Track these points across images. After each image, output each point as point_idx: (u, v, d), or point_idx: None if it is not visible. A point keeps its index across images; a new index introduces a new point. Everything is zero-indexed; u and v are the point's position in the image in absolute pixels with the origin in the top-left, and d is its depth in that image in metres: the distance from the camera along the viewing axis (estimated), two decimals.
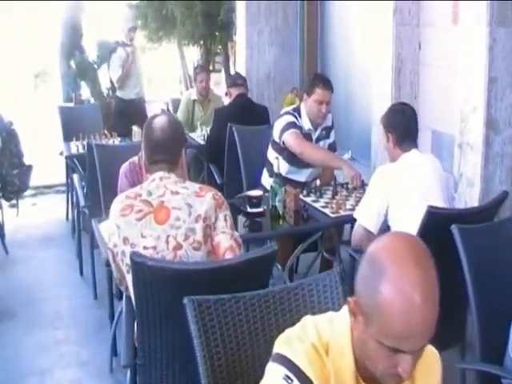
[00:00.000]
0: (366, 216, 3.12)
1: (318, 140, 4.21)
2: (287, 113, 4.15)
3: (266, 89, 7.07)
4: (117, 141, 5.57)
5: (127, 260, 2.30)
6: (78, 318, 4.23)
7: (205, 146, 5.44)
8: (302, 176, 4.18)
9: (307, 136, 4.13)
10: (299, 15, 7.03)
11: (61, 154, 6.04)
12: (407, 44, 4.50)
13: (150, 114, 6.76)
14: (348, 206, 3.60)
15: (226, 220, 2.35)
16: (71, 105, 7.20)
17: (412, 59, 4.53)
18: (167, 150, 2.42)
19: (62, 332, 4.03)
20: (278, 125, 4.11)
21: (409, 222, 2.86)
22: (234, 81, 5.33)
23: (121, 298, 3.16)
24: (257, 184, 4.35)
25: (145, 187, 2.37)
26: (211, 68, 14.53)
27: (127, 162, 3.56)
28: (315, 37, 6.85)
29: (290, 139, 3.99)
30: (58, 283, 4.77)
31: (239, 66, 7.14)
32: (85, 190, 4.71)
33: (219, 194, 2.40)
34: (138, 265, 2.04)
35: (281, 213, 3.38)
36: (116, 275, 2.51)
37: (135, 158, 3.58)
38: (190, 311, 1.59)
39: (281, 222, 3.38)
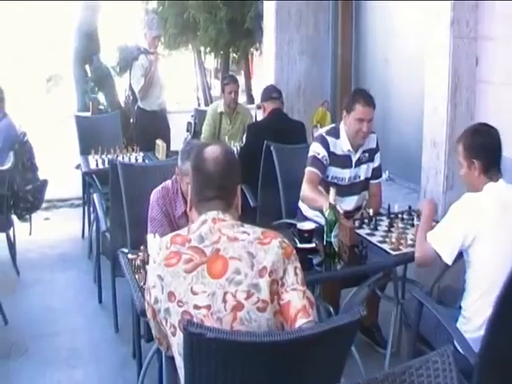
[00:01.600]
0: (442, 243, 2.72)
1: (359, 163, 3.80)
2: (319, 138, 3.79)
3: (295, 102, 6.65)
4: (140, 156, 5.17)
5: (172, 320, 1.88)
6: (98, 354, 3.80)
7: None
8: (347, 205, 3.74)
9: (346, 158, 3.75)
10: (331, 23, 6.62)
11: (77, 167, 5.67)
12: (464, 59, 4.09)
13: (173, 127, 6.40)
14: (409, 242, 3.18)
15: (296, 273, 1.93)
16: (88, 114, 6.82)
17: (468, 75, 4.12)
18: (222, 185, 2.00)
19: (80, 371, 3.60)
20: (310, 149, 3.79)
21: (493, 262, 2.58)
22: (269, 94, 4.90)
23: (150, 340, 2.77)
24: (296, 209, 3.96)
25: (194, 230, 1.95)
26: (214, 75, 14.31)
27: (159, 188, 3.15)
28: (349, 46, 6.42)
29: (304, 179, 3.70)
30: (74, 312, 4.35)
31: (267, 77, 6.72)
32: (104, 208, 4.32)
33: (286, 240, 1.98)
34: (195, 336, 1.62)
35: (337, 249, 2.96)
36: (155, 334, 2.09)
37: (168, 183, 3.18)
38: None
39: (336, 260, 2.96)
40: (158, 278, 1.90)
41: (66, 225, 6.19)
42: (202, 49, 9.05)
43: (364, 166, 3.84)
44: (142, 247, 2.84)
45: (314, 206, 3.59)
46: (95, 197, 4.31)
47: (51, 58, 13.67)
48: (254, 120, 6.09)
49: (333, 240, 2.95)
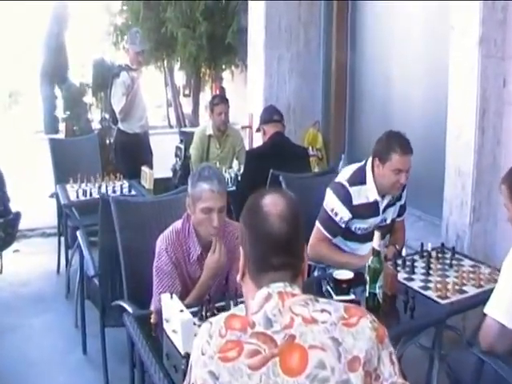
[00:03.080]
0: (502, 307, 2.29)
1: (387, 207, 3.37)
2: (340, 191, 3.26)
3: (285, 122, 6.21)
4: (125, 185, 4.66)
5: None
6: None
7: (234, 195, 4.57)
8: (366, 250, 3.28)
9: (372, 207, 3.30)
10: (322, 37, 6.22)
11: (51, 196, 5.14)
12: (492, 80, 3.72)
13: (155, 149, 5.89)
14: (455, 287, 2.76)
15: (392, 362, 1.47)
16: (61, 136, 6.27)
17: (496, 98, 3.75)
18: (291, 249, 1.54)
19: None
20: (326, 201, 3.32)
21: None
22: (270, 116, 4.46)
23: None
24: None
25: (255, 309, 1.47)
26: (183, 92, 13.77)
27: (167, 232, 2.67)
28: (344, 62, 6.00)
29: (313, 233, 3.29)
30: (55, 365, 3.80)
31: (255, 96, 6.29)
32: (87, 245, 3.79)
33: (374, 317, 1.53)
34: None
35: (381, 302, 2.53)
36: None
37: (177, 224, 2.70)
38: None
39: (381, 315, 2.52)
40: (209, 376, 1.42)
41: (39, 258, 5.63)
42: (178, 65, 8.54)
43: (392, 209, 3.42)
44: (152, 308, 2.36)
45: (338, 263, 3.18)
46: (79, 235, 3.78)
47: (14, 73, 13.03)
48: (243, 143, 5.66)
49: (377, 291, 2.52)
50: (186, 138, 5.23)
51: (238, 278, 1.62)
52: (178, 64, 8.86)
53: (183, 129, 6.01)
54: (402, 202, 3.50)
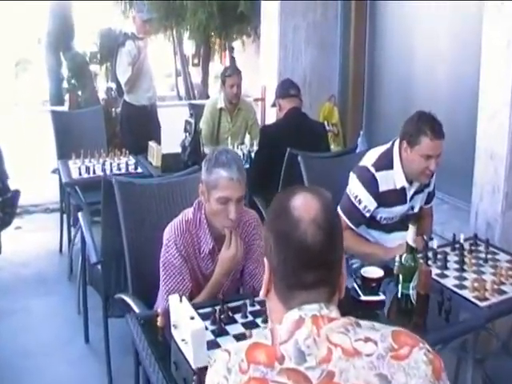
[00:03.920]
0: None
1: (414, 194, 3.08)
2: (366, 177, 2.98)
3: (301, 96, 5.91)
4: (131, 162, 4.38)
5: None
6: None
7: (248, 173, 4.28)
8: (394, 242, 3.01)
9: (400, 194, 3.02)
10: (340, 5, 5.86)
11: (54, 171, 4.86)
12: None
13: (163, 123, 5.59)
14: (493, 286, 2.48)
15: None
16: (64, 108, 5.97)
17: None
18: (328, 262, 1.26)
19: None
20: (349, 187, 3.04)
21: None
22: (287, 90, 4.15)
23: None
24: None
25: (284, 337, 1.19)
26: (192, 62, 13.43)
27: (176, 221, 2.39)
28: (363, 33, 5.65)
29: None
30: (55, 354, 3.57)
31: (269, 68, 5.96)
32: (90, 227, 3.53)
33: (428, 346, 1.25)
34: None
35: (415, 304, 2.26)
36: None
37: (188, 213, 2.42)
38: None
39: (414, 319, 2.26)
40: None
41: (41, 235, 5.39)
42: (187, 34, 8.18)
43: (420, 196, 3.14)
44: (158, 310, 2.09)
45: (362, 254, 2.98)
46: (80, 217, 3.51)
47: (21, 40, 12.70)
48: (256, 117, 5.36)
49: (411, 292, 2.25)
50: (196, 112, 4.91)
51: (262, 294, 1.34)
52: (187, 33, 8.47)
53: (193, 101, 5.63)
54: (431, 188, 3.23)
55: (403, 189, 3.01)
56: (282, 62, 5.81)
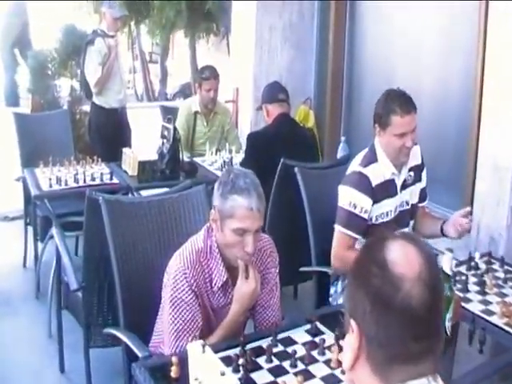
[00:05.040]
0: None
1: (404, 187, 2.90)
2: (356, 179, 2.79)
3: None
4: (106, 171, 4.05)
5: None
6: None
7: None
8: None
9: (389, 185, 2.83)
10: (318, 6, 5.64)
11: (18, 179, 4.50)
12: None
13: (133, 126, 5.26)
14: None
15: None
16: (22, 110, 5.57)
17: None
18: (435, 328, 1.05)
19: None
20: (340, 200, 2.83)
21: None
22: (275, 95, 3.88)
23: None
24: (328, 252, 3.02)
25: None
26: (148, 59, 13.07)
27: (185, 251, 2.11)
28: (342, 32, 5.45)
29: (336, 241, 2.83)
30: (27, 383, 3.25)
31: (243, 69, 5.69)
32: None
33: None
34: None
35: (449, 335, 2.05)
36: None
37: (197, 243, 2.14)
38: None
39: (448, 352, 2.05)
40: None
41: (2, 247, 4.98)
42: (145, 30, 7.80)
43: (411, 189, 2.95)
44: (173, 359, 1.81)
45: None
46: (55, 235, 3.15)
47: None
48: (233, 121, 5.09)
49: (447, 324, 2.03)
50: (170, 116, 4.54)
51: (348, 365, 1.09)
52: (145, 30, 8.11)
53: (164, 103, 5.30)
54: (423, 184, 3.04)
55: (392, 180, 2.83)
56: (257, 63, 5.56)
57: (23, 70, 6.79)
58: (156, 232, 2.60)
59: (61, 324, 3.27)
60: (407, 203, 2.93)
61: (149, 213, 2.63)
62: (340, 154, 5.05)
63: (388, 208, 2.85)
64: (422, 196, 3.05)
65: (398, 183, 2.86)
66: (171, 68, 12.12)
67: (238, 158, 4.40)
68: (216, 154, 4.55)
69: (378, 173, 2.80)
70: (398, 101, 2.69)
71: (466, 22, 4.04)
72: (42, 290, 4.08)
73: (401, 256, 1.04)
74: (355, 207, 2.75)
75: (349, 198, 2.76)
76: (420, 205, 3.05)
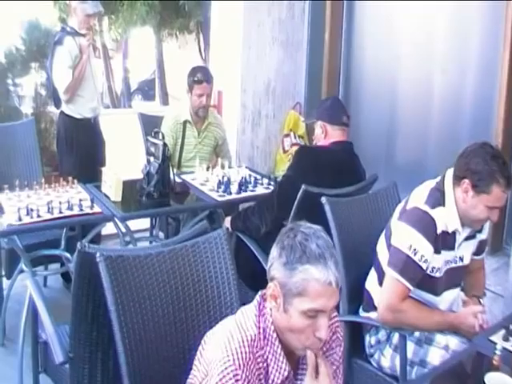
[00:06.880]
0: None
1: (464, 240, 2.46)
2: (423, 221, 2.36)
3: (263, 104, 5.16)
4: (84, 197, 3.41)
5: None
6: None
7: (259, 203, 3.42)
8: (444, 304, 2.49)
9: (448, 238, 2.39)
10: (308, 4, 5.13)
11: None
12: None
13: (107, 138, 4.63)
14: None
15: None
16: None
17: None
18: None
19: None
20: (398, 240, 2.39)
21: None
22: (339, 117, 3.27)
23: None
24: (361, 286, 2.60)
25: None
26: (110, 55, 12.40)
27: (232, 343, 1.60)
28: (339, 30, 4.94)
29: (390, 288, 2.37)
30: None
31: (227, 70, 5.12)
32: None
33: None
34: None
35: None
36: None
37: (248, 327, 1.61)
38: None
39: None
40: None
41: None
42: (120, 30, 7.14)
43: (469, 243, 2.51)
44: None
45: (430, 325, 2.39)
46: (30, 286, 2.52)
47: None
48: (226, 136, 4.51)
49: None
50: (158, 130, 3.88)
51: None
52: (114, 25, 7.46)
53: (143, 111, 4.66)
54: (484, 235, 2.60)
55: (453, 234, 2.40)
56: (244, 65, 5.01)
57: None
58: (168, 292, 2.05)
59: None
60: (461, 260, 2.49)
61: (158, 268, 2.07)
62: None
63: (441, 262, 2.41)
64: (481, 248, 2.62)
65: (459, 239, 2.43)
66: (127, 65, 11.53)
67: (234, 175, 3.86)
68: (207, 170, 3.97)
69: (443, 220, 2.37)
70: (504, 171, 2.30)
71: (466, 24, 3.95)
72: (9, 335, 3.48)
73: None
74: (415, 253, 2.30)
75: (410, 240, 2.32)
76: (475, 258, 2.60)
